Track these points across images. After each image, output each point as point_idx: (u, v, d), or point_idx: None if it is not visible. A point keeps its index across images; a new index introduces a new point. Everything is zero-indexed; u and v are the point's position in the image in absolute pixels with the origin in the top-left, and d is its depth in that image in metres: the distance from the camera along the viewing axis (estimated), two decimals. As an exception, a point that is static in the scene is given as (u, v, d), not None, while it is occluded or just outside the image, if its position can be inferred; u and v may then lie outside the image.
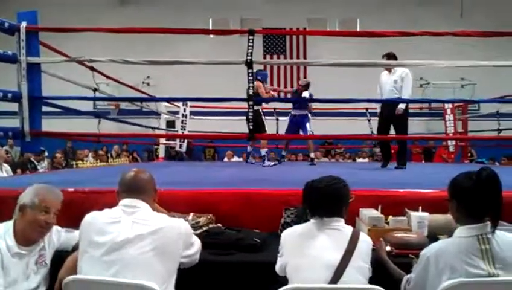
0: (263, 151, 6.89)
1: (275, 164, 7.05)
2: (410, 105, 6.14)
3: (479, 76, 11.97)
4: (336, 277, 1.82)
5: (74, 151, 10.87)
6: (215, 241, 2.48)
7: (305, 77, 11.88)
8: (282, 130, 8.34)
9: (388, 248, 2.30)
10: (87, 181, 4.05)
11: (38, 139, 3.82)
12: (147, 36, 9.85)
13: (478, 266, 1.72)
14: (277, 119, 8.74)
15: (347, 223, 2.04)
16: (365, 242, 1.97)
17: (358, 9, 13.59)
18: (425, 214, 2.63)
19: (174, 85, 11.68)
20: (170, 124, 9.80)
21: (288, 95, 9.49)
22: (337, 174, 2.14)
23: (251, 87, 3.89)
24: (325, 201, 2.02)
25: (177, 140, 9.02)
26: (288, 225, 2.61)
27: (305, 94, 7.07)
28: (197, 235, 2.27)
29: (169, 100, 8.22)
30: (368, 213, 2.67)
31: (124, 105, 12.64)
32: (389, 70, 5.74)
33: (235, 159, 11.16)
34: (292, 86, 13.38)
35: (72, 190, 3.07)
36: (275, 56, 13.88)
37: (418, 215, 2.62)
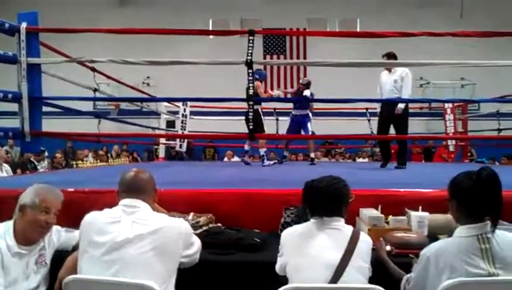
0: (262, 151, 6.90)
1: (274, 163, 7.06)
2: (410, 105, 6.15)
3: (479, 76, 11.98)
4: (336, 277, 1.82)
5: (74, 151, 10.87)
6: (215, 241, 2.48)
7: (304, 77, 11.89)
8: (282, 130, 8.36)
9: (388, 248, 2.30)
10: (87, 181, 4.05)
11: (38, 139, 3.83)
12: (146, 37, 9.87)
13: (478, 266, 1.72)
14: (277, 119, 8.75)
15: (347, 223, 2.04)
16: (365, 242, 1.97)
17: (358, 10, 13.60)
18: (425, 213, 2.63)
19: (174, 85, 11.69)
20: (170, 124, 9.81)
21: (289, 95, 9.45)
22: (337, 174, 2.14)
23: (251, 87, 3.90)
24: (325, 201, 2.02)
25: (177, 140, 9.02)
26: (288, 224, 2.61)
27: (306, 93, 7.04)
28: (197, 235, 2.27)
29: (169, 100, 8.22)
30: (368, 213, 2.67)
31: (124, 105, 12.65)
32: (389, 70, 5.74)
33: (235, 159, 11.15)
34: (292, 86, 13.38)
35: (72, 190, 3.07)
36: (275, 56, 13.88)
37: (418, 215, 2.62)
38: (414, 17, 12.86)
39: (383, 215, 2.65)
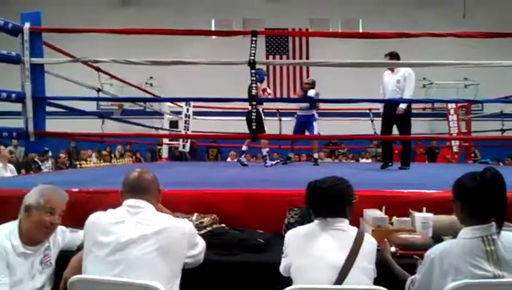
0: (264, 151, 6.89)
1: (276, 163, 7.04)
2: (414, 105, 6.13)
3: (482, 76, 11.95)
4: (341, 278, 1.82)
5: (78, 151, 10.90)
6: (219, 241, 2.48)
7: (307, 78, 11.87)
8: (285, 130, 8.36)
9: (393, 249, 2.29)
10: (91, 181, 4.06)
11: (42, 139, 3.83)
12: (149, 37, 9.87)
13: (483, 268, 1.71)
14: (280, 120, 8.74)
15: (351, 223, 2.04)
16: (370, 243, 1.97)
17: (361, 10, 13.59)
18: (430, 214, 2.63)
19: (177, 85, 11.71)
20: (173, 124, 9.82)
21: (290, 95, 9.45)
22: (340, 174, 2.14)
23: (254, 88, 3.89)
24: (329, 201, 2.02)
25: (180, 140, 9.03)
26: (291, 225, 2.61)
27: (311, 92, 7.01)
28: (201, 235, 2.27)
29: (172, 100, 8.23)
30: (372, 214, 2.66)
31: (127, 105, 12.67)
32: (392, 70, 5.73)
33: (239, 159, 11.15)
34: (295, 86, 13.40)
35: (76, 190, 3.07)
36: (277, 56, 13.88)
37: (422, 216, 2.61)
38: (417, 17, 12.84)
39: (387, 216, 2.64)
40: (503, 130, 8.05)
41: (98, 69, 5.25)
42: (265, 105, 7.33)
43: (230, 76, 8.71)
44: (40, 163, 8.82)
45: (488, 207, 1.80)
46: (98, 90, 5.47)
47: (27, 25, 3.66)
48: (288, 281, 1.91)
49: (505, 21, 11.00)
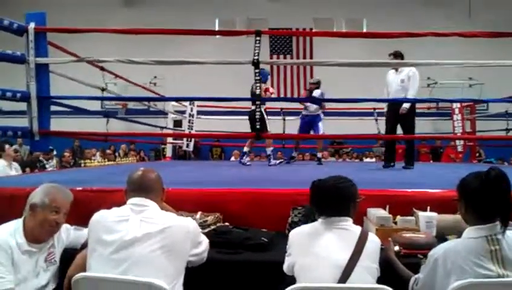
0: (268, 151, 6.88)
1: (280, 162, 7.04)
2: (418, 105, 6.11)
3: (487, 76, 11.89)
4: (344, 277, 1.82)
5: (82, 150, 10.94)
6: (222, 240, 2.48)
7: (311, 78, 11.86)
8: (289, 130, 8.35)
9: (396, 248, 2.29)
10: (95, 180, 4.08)
11: (47, 138, 3.85)
12: (152, 37, 9.86)
13: (487, 267, 1.71)
14: (284, 119, 8.74)
15: (355, 223, 2.03)
16: (374, 242, 1.97)
17: (365, 10, 13.56)
18: (434, 214, 2.62)
19: (181, 85, 11.71)
20: (177, 123, 9.84)
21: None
22: (344, 173, 2.14)
23: (258, 87, 3.90)
24: (332, 200, 2.02)
25: (184, 139, 9.04)
26: (295, 224, 2.61)
27: (316, 92, 6.98)
28: (204, 234, 2.28)
29: (177, 99, 8.24)
30: (376, 213, 2.66)
31: (131, 105, 12.71)
32: (396, 70, 5.72)
33: (243, 158, 11.15)
34: (298, 86, 13.39)
35: (81, 188, 3.09)
36: (281, 56, 13.87)
37: (426, 215, 2.61)
38: (421, 16, 12.80)
39: (390, 215, 2.64)
40: (507, 130, 8.02)
41: (102, 69, 5.27)
42: (269, 104, 7.32)
43: (234, 76, 8.73)
44: (44, 162, 8.86)
45: (493, 207, 1.79)
46: (103, 89, 5.49)
47: (32, 25, 3.68)
48: (292, 280, 1.91)
49: (510, 20, 10.94)
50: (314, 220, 2.09)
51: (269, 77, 7.19)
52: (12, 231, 2.14)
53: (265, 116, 6.55)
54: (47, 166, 8.83)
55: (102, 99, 7.46)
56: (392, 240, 2.34)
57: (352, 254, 1.87)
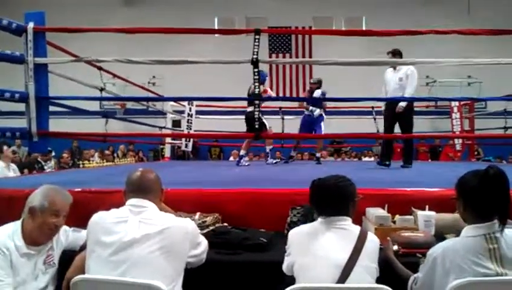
0: (267, 148, 6.86)
1: (276, 162, 7.03)
2: (417, 103, 6.11)
3: (485, 74, 11.89)
4: (344, 277, 1.82)
5: (80, 151, 10.93)
6: (221, 240, 2.48)
7: (311, 76, 11.85)
8: (288, 129, 8.35)
9: (395, 247, 2.29)
10: (94, 181, 4.07)
11: (45, 139, 3.84)
12: (151, 36, 9.82)
13: (485, 266, 1.71)
14: (282, 118, 8.74)
15: (353, 222, 2.04)
16: (373, 242, 1.97)
17: (364, 8, 13.56)
18: (432, 213, 2.62)
19: (180, 85, 11.70)
20: (176, 123, 9.83)
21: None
22: (343, 173, 2.14)
23: (257, 86, 3.89)
24: (332, 200, 2.02)
25: (183, 139, 9.04)
26: (294, 224, 2.61)
27: (317, 92, 6.91)
28: (203, 234, 2.28)
29: (175, 99, 8.23)
30: (375, 212, 2.66)
31: (130, 105, 12.69)
32: (394, 68, 5.71)
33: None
34: (297, 85, 13.38)
35: (79, 189, 3.07)
36: (280, 55, 13.86)
37: (424, 215, 2.61)
38: (421, 15, 12.80)
39: (389, 214, 2.64)
40: (506, 128, 8.01)
41: (100, 68, 5.25)
42: (267, 103, 7.30)
43: (233, 75, 8.72)
44: (43, 163, 8.85)
45: (491, 205, 1.79)
46: (101, 89, 5.48)
47: (31, 25, 3.67)
48: (291, 280, 1.91)
49: (508, 18, 10.94)
50: (313, 220, 2.09)
51: (267, 78, 7.17)
52: (10, 234, 2.13)
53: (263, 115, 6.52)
54: (45, 167, 8.82)
55: (100, 99, 7.44)
56: (391, 239, 2.34)
57: (352, 254, 1.88)
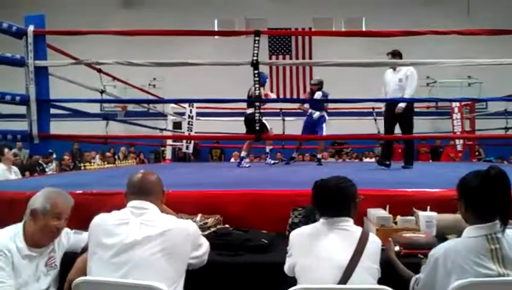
0: (267, 148, 6.85)
1: (275, 163, 7.02)
2: (417, 104, 6.10)
3: (486, 74, 11.90)
4: (345, 278, 1.82)
5: (81, 153, 10.93)
6: (223, 242, 2.48)
7: (311, 78, 11.85)
8: (288, 130, 8.34)
9: (397, 248, 2.29)
10: (95, 183, 4.08)
11: (46, 141, 3.85)
12: (151, 38, 9.89)
13: (487, 266, 1.71)
14: (283, 120, 8.73)
15: (355, 223, 2.04)
16: (374, 243, 1.97)
17: (364, 9, 13.58)
18: (434, 213, 2.62)
19: (180, 86, 11.71)
20: (177, 125, 9.83)
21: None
22: (344, 174, 2.14)
23: (257, 89, 3.89)
24: (334, 200, 2.02)
25: (184, 141, 9.03)
26: (295, 225, 2.61)
27: (318, 94, 6.88)
28: (205, 236, 2.28)
29: (176, 101, 8.23)
30: (376, 213, 2.66)
31: (130, 107, 12.72)
32: (394, 69, 5.70)
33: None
34: (298, 86, 13.38)
35: (81, 192, 3.08)
36: (280, 56, 13.87)
37: (426, 215, 2.61)
38: (420, 15, 12.81)
39: (391, 215, 2.63)
40: (507, 128, 8.00)
41: (99, 71, 5.26)
42: (268, 105, 7.30)
43: (233, 77, 8.71)
44: (44, 165, 8.86)
45: (493, 206, 1.79)
46: (102, 92, 5.48)
47: (31, 28, 3.68)
48: (293, 281, 1.91)
49: (508, 18, 10.94)
50: (314, 221, 2.09)
51: (268, 80, 7.16)
52: (12, 236, 2.13)
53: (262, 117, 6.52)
54: (46, 169, 8.83)
55: (101, 102, 7.45)
56: (392, 240, 2.34)
57: (353, 255, 1.87)
